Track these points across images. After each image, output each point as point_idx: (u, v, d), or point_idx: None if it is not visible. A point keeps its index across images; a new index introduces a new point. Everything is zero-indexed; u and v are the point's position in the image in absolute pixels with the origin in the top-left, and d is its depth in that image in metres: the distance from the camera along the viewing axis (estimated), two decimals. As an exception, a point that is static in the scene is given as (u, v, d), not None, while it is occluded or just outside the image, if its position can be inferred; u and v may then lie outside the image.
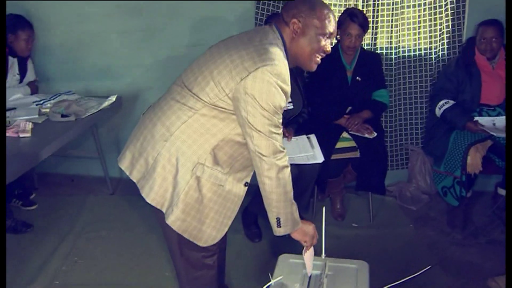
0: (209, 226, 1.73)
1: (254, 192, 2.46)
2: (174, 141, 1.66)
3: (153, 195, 1.70)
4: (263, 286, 1.88)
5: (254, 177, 1.74)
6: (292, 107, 2.86)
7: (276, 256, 2.06)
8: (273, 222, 1.77)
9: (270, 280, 1.88)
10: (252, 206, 2.96)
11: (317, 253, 2.00)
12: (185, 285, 1.93)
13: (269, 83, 1.55)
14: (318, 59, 1.74)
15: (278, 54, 1.60)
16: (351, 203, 3.41)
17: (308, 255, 1.93)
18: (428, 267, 2.30)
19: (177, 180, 1.66)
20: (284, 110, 1.65)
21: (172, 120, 1.69)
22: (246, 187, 1.77)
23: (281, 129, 1.65)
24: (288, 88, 1.61)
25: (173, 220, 1.69)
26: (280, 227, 1.76)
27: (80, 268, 2.78)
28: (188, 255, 1.84)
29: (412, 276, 2.12)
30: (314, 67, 1.74)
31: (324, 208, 1.95)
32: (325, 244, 1.95)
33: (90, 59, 3.59)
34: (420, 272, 2.21)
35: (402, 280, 2.09)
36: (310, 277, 1.92)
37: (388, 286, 2.02)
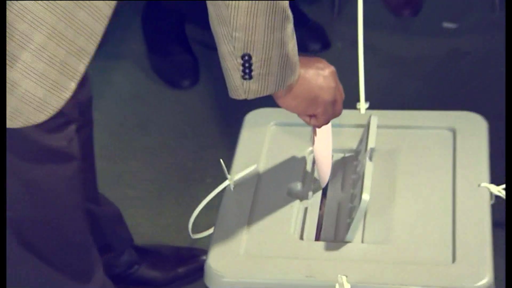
0: (25, 71, 1.40)
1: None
2: None
3: None
4: (215, 190, 1.63)
5: None
6: None
7: (238, 119, 1.75)
8: (232, 65, 1.42)
9: (225, 179, 1.61)
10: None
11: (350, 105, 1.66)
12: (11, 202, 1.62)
13: None
14: None
15: None
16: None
17: (322, 144, 1.61)
18: None
19: None
20: None
21: None
22: None
23: None
24: None
25: None
26: (249, 78, 1.44)
27: None
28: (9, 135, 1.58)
29: None
30: None
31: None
32: (367, 86, 1.66)
33: None
34: None
35: None
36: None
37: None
